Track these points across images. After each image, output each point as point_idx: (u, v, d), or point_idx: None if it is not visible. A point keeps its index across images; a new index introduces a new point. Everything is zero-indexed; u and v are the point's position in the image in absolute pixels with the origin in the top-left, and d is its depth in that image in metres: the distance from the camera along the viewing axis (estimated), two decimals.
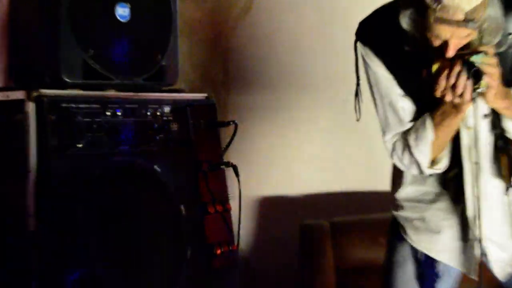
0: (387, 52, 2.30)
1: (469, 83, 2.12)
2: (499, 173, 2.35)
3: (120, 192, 2.71)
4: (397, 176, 2.53)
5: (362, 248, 3.45)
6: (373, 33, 2.32)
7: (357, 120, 2.41)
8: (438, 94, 2.16)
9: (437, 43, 2.14)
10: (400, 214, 2.54)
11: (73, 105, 2.57)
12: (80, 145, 2.58)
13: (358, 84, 2.42)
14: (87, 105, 2.62)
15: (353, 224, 3.61)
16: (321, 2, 3.91)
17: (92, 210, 2.53)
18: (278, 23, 3.92)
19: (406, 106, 2.35)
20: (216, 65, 3.91)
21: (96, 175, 2.58)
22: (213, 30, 3.92)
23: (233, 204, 3.04)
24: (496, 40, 2.19)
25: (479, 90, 2.15)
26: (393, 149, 2.41)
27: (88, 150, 2.60)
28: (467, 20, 2.05)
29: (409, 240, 2.53)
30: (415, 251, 2.51)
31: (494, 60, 2.15)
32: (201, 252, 2.93)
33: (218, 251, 2.96)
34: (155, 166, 2.82)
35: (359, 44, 2.35)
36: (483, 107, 2.29)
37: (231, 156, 3.07)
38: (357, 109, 2.42)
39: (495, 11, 2.15)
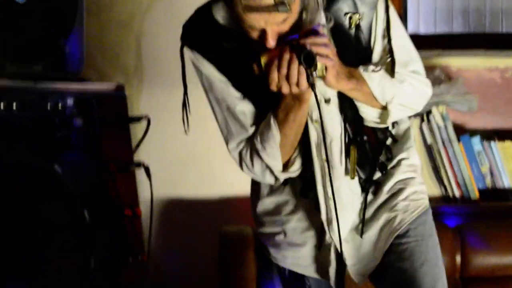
0: (215, 53, 2.21)
1: (302, 68, 2.01)
2: (350, 168, 2.27)
3: (15, 196, 2.56)
4: (254, 189, 2.44)
5: None
6: (198, 34, 2.23)
7: (185, 133, 2.30)
8: (273, 87, 2.05)
9: (255, 34, 2.07)
10: (261, 231, 2.44)
11: None
12: None
13: (185, 93, 2.30)
14: None
15: None
16: None
17: None
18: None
19: (246, 109, 2.24)
20: (129, 51, 3.78)
21: None
22: (126, 10, 3.76)
23: (144, 208, 2.92)
24: (322, 18, 2.13)
25: (315, 74, 2.04)
26: (241, 159, 2.29)
27: None
28: (277, 4, 1.98)
29: (273, 260, 2.44)
30: (281, 270, 2.44)
31: (324, 39, 2.05)
32: (107, 262, 2.79)
33: (127, 261, 2.83)
34: (56, 166, 2.67)
35: (186, 49, 2.25)
36: (327, 93, 2.21)
37: (143, 155, 2.92)
38: (185, 121, 2.30)
39: None
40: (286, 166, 2.26)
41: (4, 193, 2.54)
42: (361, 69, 2.17)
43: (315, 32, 2.05)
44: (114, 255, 2.80)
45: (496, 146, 3.72)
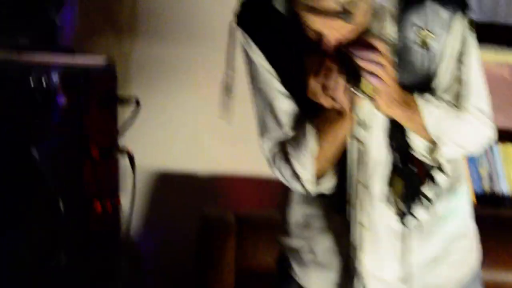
0: (268, 42, 2.05)
1: (343, 82, 1.85)
2: (391, 198, 2.10)
3: None
4: (284, 191, 2.24)
5: (270, 251, 3.18)
6: (253, 17, 2.06)
7: (226, 121, 2.13)
8: (311, 95, 1.92)
9: (312, 33, 1.89)
10: (287, 243, 2.25)
11: None
12: None
13: (231, 78, 2.14)
14: None
15: (264, 220, 3.25)
16: None
17: None
18: None
19: (287, 107, 2.08)
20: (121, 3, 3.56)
21: None
22: None
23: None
24: (392, 34, 1.95)
25: (358, 91, 1.87)
26: (273, 159, 2.13)
27: None
28: (340, 12, 1.81)
29: (295, 277, 2.25)
30: None
31: (379, 57, 1.88)
32: (79, 257, 2.61)
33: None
34: (33, 150, 2.46)
35: (239, 31, 2.07)
36: (374, 115, 2.03)
37: (128, 139, 2.71)
38: (226, 108, 2.14)
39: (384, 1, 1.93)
40: (317, 179, 2.09)
41: None
42: (419, 98, 2.00)
43: (372, 47, 1.87)
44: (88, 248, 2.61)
45: (498, 148, 3.55)
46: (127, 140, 2.88)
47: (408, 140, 2.05)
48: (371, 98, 1.90)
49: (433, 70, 2.01)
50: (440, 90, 2.02)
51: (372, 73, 1.86)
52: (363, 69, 1.85)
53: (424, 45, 1.98)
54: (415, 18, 1.97)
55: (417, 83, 2.00)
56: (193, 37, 3.57)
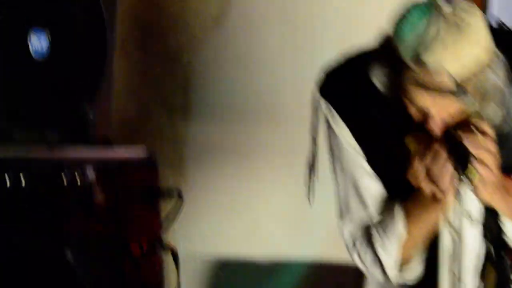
0: (356, 116, 1.95)
1: (451, 168, 1.75)
2: None
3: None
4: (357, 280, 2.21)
5: None
6: (343, 89, 1.95)
7: (309, 204, 2.02)
8: (411, 179, 1.82)
9: (414, 110, 1.78)
10: None
11: None
12: None
13: (314, 155, 2.03)
14: None
15: None
16: (315, 18, 3.42)
17: None
18: (258, 38, 3.46)
19: (374, 188, 1.98)
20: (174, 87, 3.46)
21: None
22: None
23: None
24: (498, 117, 1.81)
25: (466, 181, 1.76)
26: (354, 243, 2.01)
27: None
28: (457, 90, 1.68)
29: None
30: None
31: (490, 144, 1.77)
32: None
33: None
34: (68, 253, 2.31)
35: (323, 102, 1.97)
36: (472, 203, 1.93)
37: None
38: (310, 189, 2.03)
39: (499, 78, 1.76)
40: (401, 267, 1.99)
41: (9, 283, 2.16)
42: None
43: (482, 132, 1.77)
44: None
45: None
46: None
47: (503, 227, 1.95)
48: (474, 186, 1.80)
49: None
50: None
51: (481, 161, 1.75)
52: (473, 156, 1.75)
53: None
54: None
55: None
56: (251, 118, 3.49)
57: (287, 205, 3.46)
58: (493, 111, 1.78)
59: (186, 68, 3.49)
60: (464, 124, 1.77)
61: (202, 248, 3.26)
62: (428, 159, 1.76)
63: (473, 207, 1.93)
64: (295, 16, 3.46)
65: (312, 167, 2.03)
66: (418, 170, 1.78)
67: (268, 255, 3.50)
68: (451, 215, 1.94)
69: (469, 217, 1.93)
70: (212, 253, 3.46)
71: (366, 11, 3.25)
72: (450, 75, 1.67)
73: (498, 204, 1.88)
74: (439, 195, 1.78)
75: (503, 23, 1.92)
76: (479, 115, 1.78)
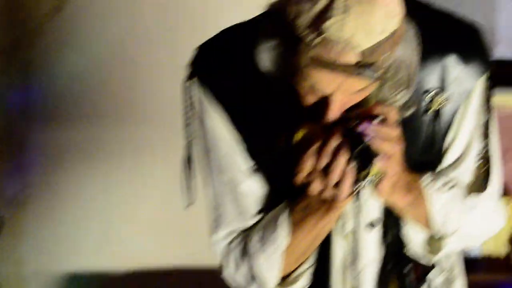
0: (237, 103, 1.66)
1: (352, 167, 1.49)
2: None
3: None
4: None
5: None
6: (218, 68, 1.66)
7: (187, 205, 1.74)
8: (300, 178, 1.54)
9: (311, 99, 1.51)
10: None
11: None
12: None
13: (189, 146, 1.73)
14: None
15: None
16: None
17: None
18: (106, 27, 3.22)
19: (253, 190, 1.70)
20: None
21: None
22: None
23: None
24: (404, 98, 1.57)
25: (367, 180, 1.50)
26: (226, 254, 1.74)
27: None
28: (363, 65, 1.42)
29: None
30: None
31: (395, 132, 1.53)
32: None
33: None
34: None
35: (196, 82, 1.67)
36: (371, 206, 1.68)
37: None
38: (188, 188, 1.74)
39: (408, 52, 1.51)
40: (283, 282, 1.71)
41: None
42: (425, 180, 1.66)
43: (386, 118, 1.52)
44: None
45: None
46: None
47: (404, 232, 1.71)
48: (377, 186, 1.55)
49: (444, 144, 1.67)
50: (450, 167, 1.69)
51: (386, 155, 1.52)
52: (379, 149, 1.50)
53: (437, 113, 1.64)
54: (430, 79, 1.62)
55: (422, 163, 1.66)
56: None
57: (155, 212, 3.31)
58: (400, 91, 1.55)
59: (23, 63, 3.26)
60: (365, 110, 1.53)
61: (52, 262, 3.08)
62: (322, 156, 1.51)
63: (373, 210, 1.69)
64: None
65: (188, 164, 1.74)
66: (307, 166, 1.52)
67: (128, 266, 3.32)
68: (346, 220, 1.69)
69: (369, 223, 1.69)
70: (64, 267, 3.26)
71: None
72: (357, 47, 1.40)
73: (398, 201, 1.64)
74: (334, 199, 1.53)
75: None
76: (383, 97, 1.55)
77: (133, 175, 3.31)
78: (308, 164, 1.50)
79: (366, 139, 1.47)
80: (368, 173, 1.48)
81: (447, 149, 1.68)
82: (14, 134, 3.15)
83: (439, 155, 1.68)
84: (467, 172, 1.68)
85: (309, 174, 1.51)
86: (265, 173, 1.69)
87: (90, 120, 3.26)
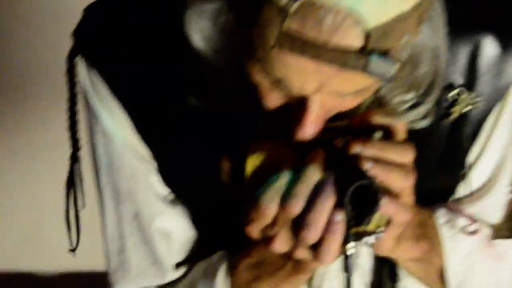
0: (151, 97, 1.13)
1: (342, 217, 0.94)
2: None
3: None
4: None
5: None
6: (117, 42, 1.14)
7: (72, 249, 1.25)
8: (252, 231, 1.00)
9: (275, 101, 0.98)
10: None
11: None
12: None
13: (75, 148, 1.21)
14: None
15: None
16: None
17: None
18: None
19: (174, 229, 1.21)
20: None
21: None
22: None
23: None
24: (428, 105, 1.09)
25: (367, 239, 1.00)
26: None
27: None
28: (370, 52, 0.87)
29: None
30: None
31: (408, 154, 1.01)
32: None
33: None
34: None
35: (81, 61, 1.16)
36: (363, 261, 1.23)
37: None
38: (77, 205, 1.23)
39: (432, 35, 1.02)
40: None
41: None
42: (438, 219, 1.18)
43: (392, 132, 1.03)
44: None
45: None
46: None
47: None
48: (378, 240, 1.01)
49: (465, 162, 1.19)
50: (472, 197, 1.21)
51: (393, 196, 0.99)
52: (379, 187, 0.94)
53: (461, 119, 1.15)
54: (456, 69, 1.12)
55: (434, 184, 1.18)
56: None
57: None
58: (419, 94, 1.08)
59: None
60: (358, 119, 1.04)
61: None
62: (293, 199, 0.96)
63: (363, 265, 1.25)
64: None
65: (74, 189, 1.24)
66: (267, 221, 0.99)
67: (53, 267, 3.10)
68: (324, 279, 1.22)
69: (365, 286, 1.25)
70: None
71: None
72: (362, 21, 0.87)
73: (405, 255, 1.18)
74: (310, 261, 1.03)
75: None
76: (390, 104, 1.07)
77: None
78: (266, 212, 0.97)
79: (365, 168, 0.95)
80: (367, 225, 0.96)
81: (469, 170, 1.21)
82: None
83: (458, 178, 1.21)
84: (496, 205, 1.23)
85: (269, 226, 0.98)
86: (193, 205, 1.21)
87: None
